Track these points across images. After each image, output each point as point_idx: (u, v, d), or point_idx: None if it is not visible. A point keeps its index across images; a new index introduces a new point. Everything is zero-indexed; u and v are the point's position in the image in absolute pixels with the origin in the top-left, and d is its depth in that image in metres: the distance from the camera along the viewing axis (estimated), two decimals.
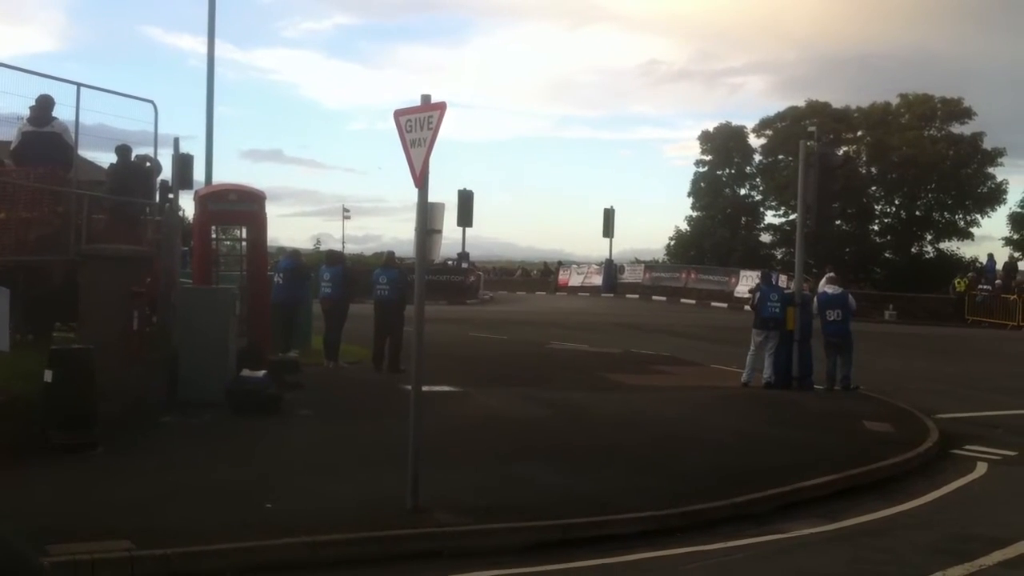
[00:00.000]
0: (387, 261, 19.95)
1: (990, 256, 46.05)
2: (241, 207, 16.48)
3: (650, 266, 55.47)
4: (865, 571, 8.13)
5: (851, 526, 9.46)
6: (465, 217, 46.20)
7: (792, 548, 8.73)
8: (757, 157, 61.83)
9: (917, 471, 11.90)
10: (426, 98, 9.02)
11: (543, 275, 64.05)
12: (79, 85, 13.24)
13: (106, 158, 15.65)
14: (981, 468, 12.19)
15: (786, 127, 57.49)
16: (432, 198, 9.50)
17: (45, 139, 13.41)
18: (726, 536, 8.89)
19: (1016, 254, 50.70)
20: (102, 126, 14.58)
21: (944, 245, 57.12)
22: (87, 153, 14.49)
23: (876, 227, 58.90)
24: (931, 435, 13.48)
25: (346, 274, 19.51)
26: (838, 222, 54.58)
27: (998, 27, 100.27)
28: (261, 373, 13.82)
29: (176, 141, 17.08)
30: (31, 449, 10.04)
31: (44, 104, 13.44)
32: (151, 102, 14.66)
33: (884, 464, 11.69)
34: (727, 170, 62.44)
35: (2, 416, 10.09)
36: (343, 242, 78.69)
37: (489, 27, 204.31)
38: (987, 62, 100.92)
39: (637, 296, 50.02)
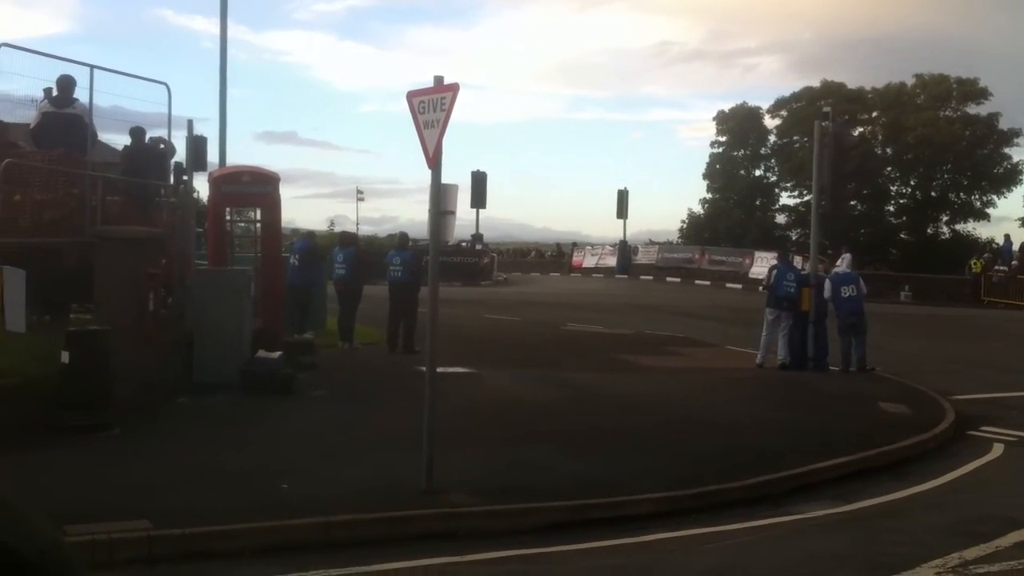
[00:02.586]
0: (400, 242, 19.96)
1: (1007, 237, 45.83)
2: (255, 189, 16.48)
3: (664, 247, 55.35)
4: (880, 553, 8.11)
5: (866, 507, 9.45)
6: (479, 198, 46.15)
7: (807, 529, 8.72)
8: (772, 138, 61.56)
9: (933, 453, 11.86)
10: (439, 79, 9.00)
11: (557, 256, 63.99)
12: (92, 67, 13.27)
13: (120, 140, 15.71)
14: (997, 449, 12.14)
15: (801, 108, 57.16)
16: (445, 179, 9.49)
17: (66, 120, 13.43)
18: (740, 518, 8.89)
19: None
20: (116, 108, 14.62)
21: (960, 226, 56.80)
22: (102, 135, 14.51)
23: (892, 208, 58.63)
24: (947, 416, 13.43)
25: (359, 256, 19.52)
26: (853, 202, 54.41)
27: (1015, 6, 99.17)
28: (276, 355, 13.86)
29: (190, 123, 17.12)
30: (48, 431, 10.11)
31: (66, 85, 13.46)
32: (164, 84, 14.69)
33: (899, 446, 11.65)
34: (742, 151, 62.21)
35: (19, 397, 10.16)
36: (357, 224, 78.60)
37: (501, 8, 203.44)
38: (1003, 42, 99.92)
39: (651, 277, 49.94)
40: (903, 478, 10.59)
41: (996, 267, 40.76)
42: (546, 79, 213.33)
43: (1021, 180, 54.89)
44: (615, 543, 8.06)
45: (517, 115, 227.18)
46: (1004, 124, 54.13)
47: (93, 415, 10.49)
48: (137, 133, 15.13)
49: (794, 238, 56.46)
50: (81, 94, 13.45)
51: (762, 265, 38.66)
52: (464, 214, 47.77)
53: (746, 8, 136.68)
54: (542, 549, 7.83)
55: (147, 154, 15.21)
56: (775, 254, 24.03)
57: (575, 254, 59.51)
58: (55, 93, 13.65)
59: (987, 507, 9.46)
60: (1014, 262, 40.38)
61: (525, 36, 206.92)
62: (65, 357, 10.54)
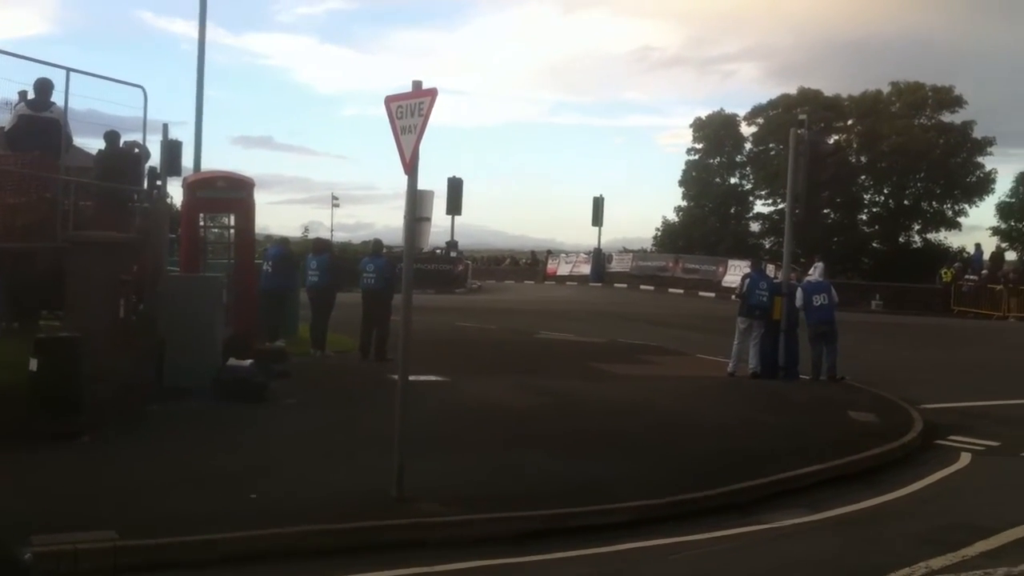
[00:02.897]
0: (374, 249, 19.93)
1: (977, 246, 46.24)
2: (229, 194, 16.44)
3: (638, 255, 55.49)
4: (850, 561, 8.18)
5: (836, 516, 9.52)
6: (454, 205, 46.18)
7: (778, 538, 8.78)
8: (748, 145, 61.89)
9: (901, 461, 11.96)
10: (417, 84, 9.01)
11: (531, 264, 64.04)
12: (69, 70, 13.18)
13: (95, 144, 15.60)
14: (965, 459, 12.26)
15: (777, 115, 57.54)
16: (422, 185, 9.49)
17: (42, 124, 13.33)
18: (712, 526, 8.92)
19: (1003, 244, 50.88)
20: (92, 111, 14.53)
21: (932, 235, 57.30)
22: (77, 139, 14.42)
23: (865, 216, 59.04)
24: (915, 425, 13.54)
25: (333, 262, 19.46)
26: (826, 211, 54.80)
27: (991, 16, 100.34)
28: (248, 362, 13.81)
29: (165, 127, 17.11)
30: (16, 437, 9.98)
31: (43, 88, 13.35)
32: (141, 87, 14.58)
33: (869, 454, 11.75)
34: (718, 158, 62.49)
35: None
36: (332, 230, 78.59)
37: (481, 12, 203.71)
38: (979, 51, 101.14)
39: (625, 285, 50.06)
40: (872, 487, 10.67)
41: (967, 276, 41.12)
42: (526, 83, 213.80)
43: (993, 189, 55.52)
44: (588, 552, 8.06)
45: (496, 119, 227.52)
46: (978, 133, 54.73)
47: (62, 422, 10.39)
48: (112, 137, 15.04)
49: (768, 246, 56.75)
50: (57, 97, 13.37)
51: (735, 273, 38.90)
52: (439, 220, 47.89)
53: (727, 14, 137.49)
54: (514, 559, 7.82)
55: (121, 158, 15.12)
56: (748, 263, 24.16)
57: (549, 262, 59.57)
58: (31, 96, 13.56)
59: (954, 516, 9.55)
60: (984, 272, 40.75)
61: (506, 40, 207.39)
62: (33, 364, 10.46)
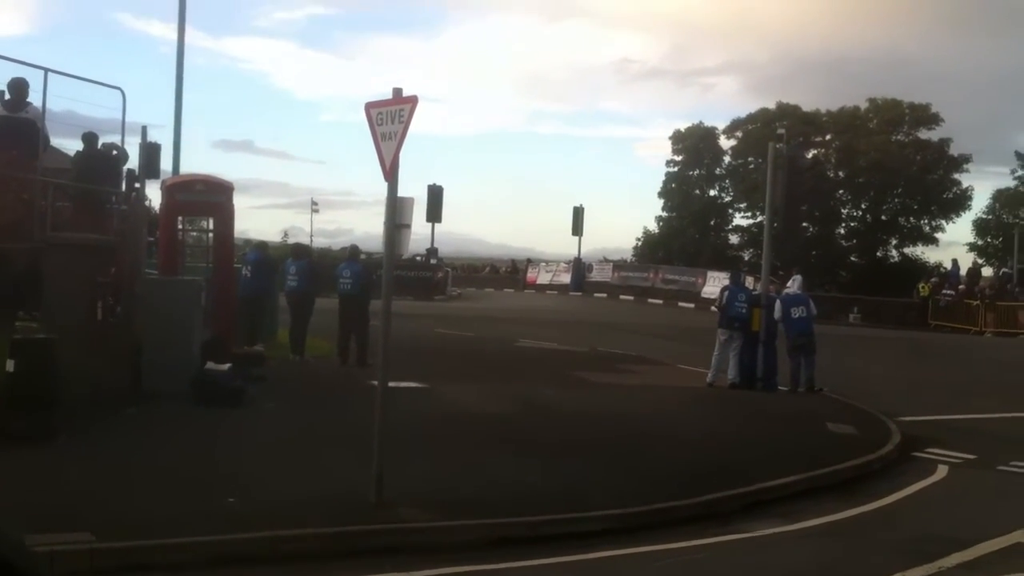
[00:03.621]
0: (351, 255, 19.88)
1: (954, 261, 46.64)
2: (208, 198, 16.36)
3: (618, 265, 55.60)
4: (827, 571, 8.21)
5: (814, 526, 9.53)
6: (434, 212, 46.19)
7: (756, 548, 8.77)
8: (727, 159, 62.22)
9: (879, 473, 12.01)
10: (398, 91, 9.00)
11: (511, 272, 64.07)
12: (47, 70, 13.10)
13: (72, 145, 15.52)
14: (942, 471, 12.31)
15: (756, 129, 57.88)
16: (402, 192, 9.49)
17: (18, 125, 13.22)
18: (691, 535, 8.92)
19: (980, 260, 51.34)
20: (69, 112, 14.46)
21: (909, 250, 57.74)
22: (54, 140, 14.34)
23: (842, 231, 59.42)
24: (893, 438, 13.60)
25: (312, 268, 19.42)
26: (805, 224, 55.07)
27: (969, 33, 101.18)
28: (226, 366, 13.72)
29: (144, 129, 16.91)
30: None
31: (18, 88, 13.25)
32: (119, 89, 14.52)
33: (846, 466, 11.78)
34: (697, 171, 62.77)
35: None
36: (311, 235, 78.17)
37: (462, 19, 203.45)
38: (956, 68, 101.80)
39: (605, 295, 50.13)
40: (849, 498, 10.68)
41: (943, 291, 41.41)
42: (506, 92, 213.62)
43: (969, 206, 56.05)
44: (565, 560, 8.04)
45: (476, 128, 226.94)
46: (955, 150, 55.22)
47: (38, 423, 10.30)
48: (89, 139, 14.95)
49: (747, 258, 57.03)
50: (35, 98, 13.27)
51: (714, 285, 39.03)
52: (419, 228, 47.65)
53: (707, 27, 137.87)
54: (491, 565, 7.79)
55: (99, 160, 15.02)
56: (727, 274, 24.23)
57: (529, 270, 59.60)
58: (7, 96, 13.45)
59: (931, 527, 9.59)
60: (961, 286, 41.08)
61: (487, 48, 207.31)
62: (10, 365, 10.37)
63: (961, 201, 56.07)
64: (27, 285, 12.90)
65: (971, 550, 8.64)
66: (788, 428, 14.16)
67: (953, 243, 58.10)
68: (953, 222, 56.76)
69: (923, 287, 42.90)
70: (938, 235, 56.99)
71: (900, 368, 24.45)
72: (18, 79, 13.23)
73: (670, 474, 10.63)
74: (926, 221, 56.99)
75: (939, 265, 52.40)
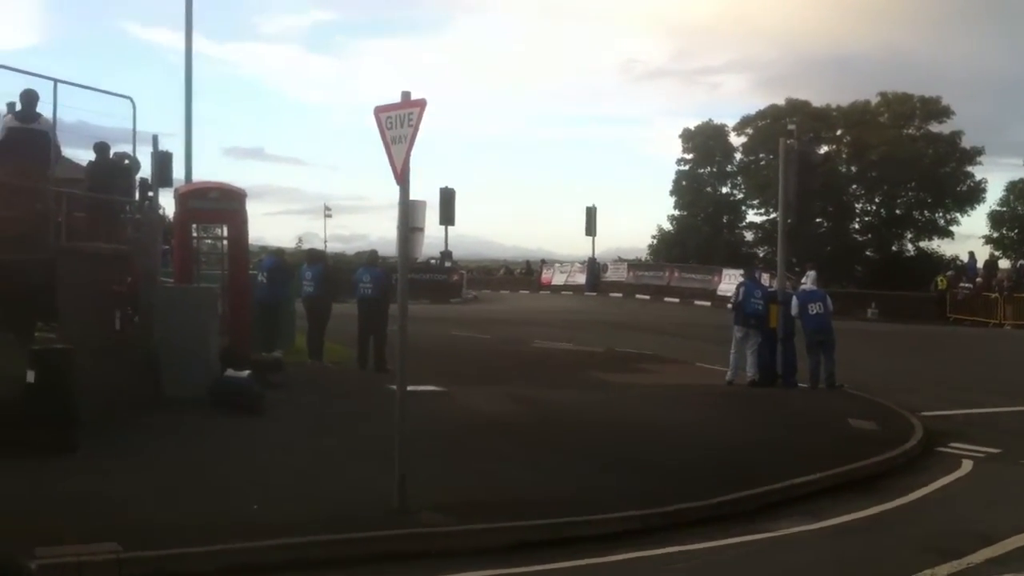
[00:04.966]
0: (370, 260, 19.88)
1: (971, 254, 46.27)
2: (221, 205, 16.36)
3: (633, 265, 55.48)
4: (853, 570, 8.13)
5: (837, 524, 9.44)
6: (447, 215, 46.17)
7: (779, 547, 8.69)
8: (738, 156, 62.08)
9: (902, 469, 11.90)
10: (406, 95, 8.97)
11: (526, 274, 64.01)
12: (56, 81, 13.14)
13: (84, 155, 15.57)
14: (966, 466, 12.19)
15: (766, 126, 57.79)
16: (414, 196, 9.45)
17: (30, 135, 13.26)
18: (712, 535, 8.84)
19: (996, 252, 51.03)
20: (81, 123, 14.49)
21: (924, 244, 57.52)
22: (66, 150, 14.38)
23: (857, 225, 59.20)
24: (916, 433, 13.49)
25: (327, 273, 19.41)
26: (818, 219, 54.94)
27: (978, 25, 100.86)
28: (245, 373, 13.71)
29: (155, 138, 17.01)
30: (13, 450, 9.87)
31: (29, 99, 13.30)
32: (129, 98, 14.56)
33: (869, 462, 11.68)
34: (708, 168, 62.69)
35: None
36: (325, 241, 78.45)
37: (469, 22, 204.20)
38: (966, 61, 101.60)
39: (620, 295, 50.00)
40: (873, 494, 10.58)
41: (961, 284, 41.14)
42: (514, 94, 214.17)
43: (983, 198, 55.77)
44: (585, 563, 7.98)
45: (487, 130, 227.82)
46: (966, 143, 54.97)
47: (58, 434, 10.29)
48: (101, 148, 14.99)
49: (761, 255, 56.89)
50: (45, 108, 13.31)
51: (730, 282, 38.86)
52: (433, 231, 47.63)
53: (712, 26, 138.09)
54: (513, 568, 7.76)
55: (111, 170, 15.06)
56: (742, 271, 24.10)
57: (544, 272, 59.49)
58: (18, 107, 13.48)
59: (958, 523, 9.50)
60: (978, 279, 40.79)
61: (494, 51, 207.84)
62: (30, 376, 10.37)
63: (975, 194, 55.86)
64: (43, 296, 12.91)
65: (999, 545, 8.56)
66: (809, 425, 14.07)
67: (968, 236, 57.99)
68: (968, 215, 56.64)
69: (941, 280, 42.63)
70: (953, 228, 56.89)
71: (920, 363, 24.30)
72: (29, 91, 13.28)
73: (691, 474, 10.56)
74: (941, 214, 56.81)
75: (955, 258, 52.07)
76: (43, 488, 8.96)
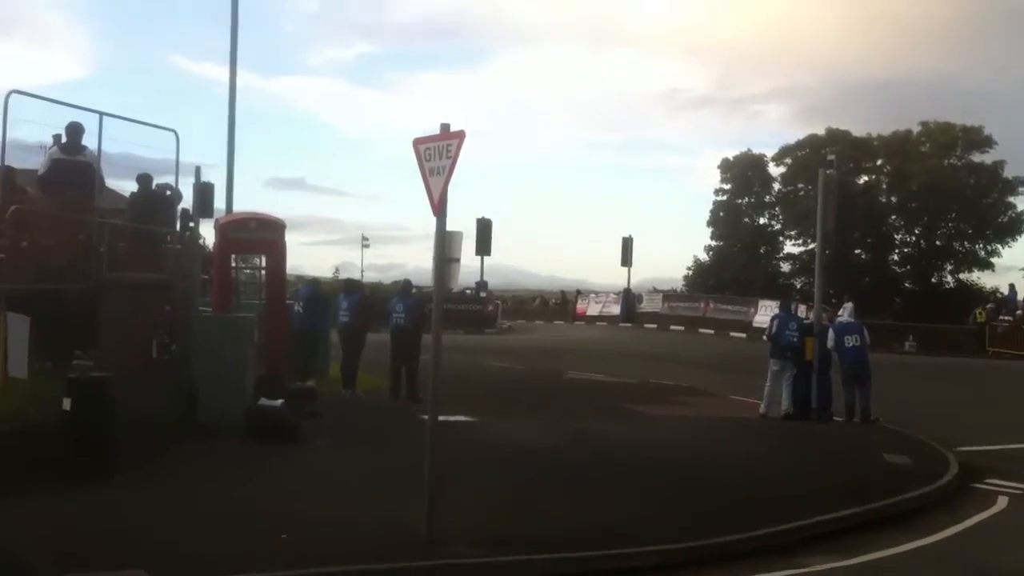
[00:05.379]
0: (403, 289, 19.96)
1: (1011, 287, 45.66)
2: (260, 235, 16.57)
3: (668, 296, 55.29)
4: None
5: (873, 560, 9.37)
6: (483, 246, 46.29)
7: None
8: (776, 186, 61.83)
9: (938, 504, 11.77)
10: (445, 127, 9.06)
11: (561, 304, 63.94)
12: (102, 114, 13.42)
13: (128, 186, 15.86)
14: (1002, 502, 12.05)
15: (806, 156, 57.50)
16: (451, 226, 9.52)
17: (75, 167, 13.55)
18: (747, 570, 8.82)
19: None
20: (125, 154, 14.76)
21: (964, 275, 56.84)
22: (110, 181, 14.69)
23: (896, 256, 58.70)
24: (951, 468, 13.36)
25: (363, 302, 19.53)
26: (857, 251, 54.50)
27: (1018, 55, 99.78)
28: (279, 402, 13.83)
29: (197, 169, 17.25)
30: (50, 476, 10.04)
31: (75, 132, 13.60)
32: (173, 131, 14.82)
33: (905, 497, 11.57)
34: (746, 199, 62.44)
35: (20, 443, 10.15)
36: (362, 270, 78.85)
37: (510, 53, 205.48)
38: (1009, 91, 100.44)
39: (655, 326, 49.81)
40: (908, 530, 10.49)
41: (1001, 317, 40.65)
42: (553, 123, 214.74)
43: None
44: None
45: (525, 159, 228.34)
46: (1009, 172, 54.36)
47: (94, 461, 10.44)
48: (144, 179, 15.25)
49: (799, 286, 56.49)
50: (90, 141, 13.59)
51: (765, 314, 38.59)
52: (468, 261, 47.90)
53: (755, 54, 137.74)
54: None
55: (154, 200, 15.31)
56: (778, 303, 23.99)
57: (579, 302, 59.40)
58: (64, 140, 13.77)
59: (994, 560, 9.41)
60: (1019, 312, 40.28)
61: (534, 81, 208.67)
62: (67, 404, 10.53)
63: (1016, 225, 55.18)
64: (84, 324, 13.12)
65: None
66: (844, 459, 13.95)
67: (1010, 268, 56.92)
68: (1009, 246, 55.82)
69: (980, 313, 42.14)
70: (994, 260, 56.15)
71: (957, 396, 23.99)
72: (74, 123, 13.57)
73: (724, 508, 10.51)
74: (981, 245, 56.13)
75: (995, 290, 51.44)
76: (77, 514, 9.09)
